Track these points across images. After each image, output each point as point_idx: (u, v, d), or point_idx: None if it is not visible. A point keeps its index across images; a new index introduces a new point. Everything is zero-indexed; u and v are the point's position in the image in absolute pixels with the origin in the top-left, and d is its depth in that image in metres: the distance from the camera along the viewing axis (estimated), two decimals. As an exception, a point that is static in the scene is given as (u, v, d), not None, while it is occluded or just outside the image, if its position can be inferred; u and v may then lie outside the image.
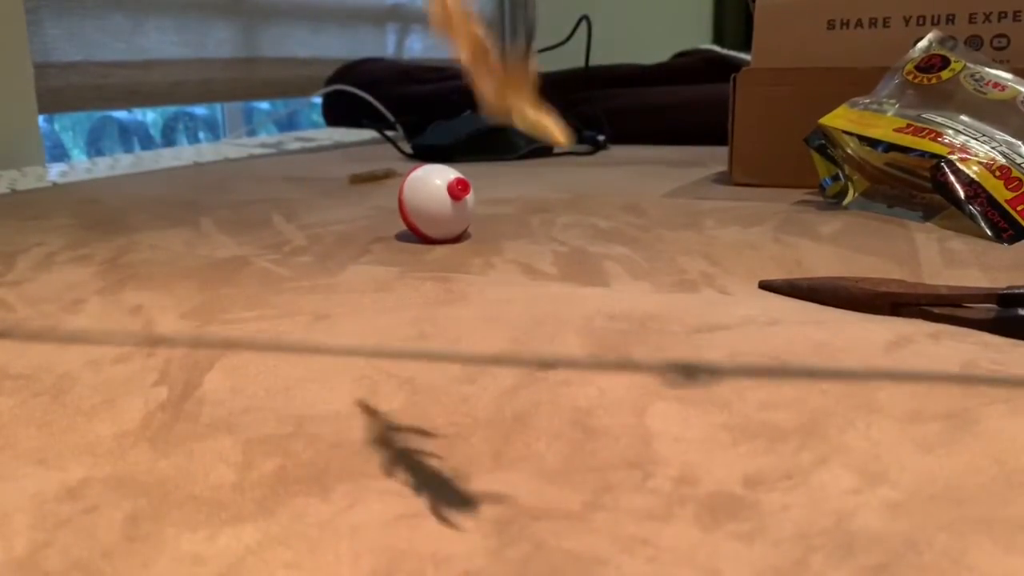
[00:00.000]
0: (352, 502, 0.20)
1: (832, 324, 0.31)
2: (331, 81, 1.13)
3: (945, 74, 0.51)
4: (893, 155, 0.49)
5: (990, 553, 0.17)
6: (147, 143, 1.23)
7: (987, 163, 0.46)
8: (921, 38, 0.55)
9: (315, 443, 0.23)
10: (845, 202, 0.53)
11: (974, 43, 0.57)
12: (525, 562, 0.17)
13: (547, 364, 0.28)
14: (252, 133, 1.23)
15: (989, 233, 0.44)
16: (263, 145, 1.03)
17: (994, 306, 0.31)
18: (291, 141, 1.06)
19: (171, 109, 1.22)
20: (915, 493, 0.20)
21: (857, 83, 0.55)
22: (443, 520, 0.19)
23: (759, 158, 0.62)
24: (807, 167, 0.55)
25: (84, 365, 0.29)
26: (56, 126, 1.12)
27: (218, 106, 1.27)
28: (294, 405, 0.25)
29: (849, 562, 0.17)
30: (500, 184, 0.67)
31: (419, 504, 0.20)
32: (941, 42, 0.54)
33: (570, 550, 0.18)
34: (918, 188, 0.49)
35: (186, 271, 0.42)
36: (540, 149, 0.86)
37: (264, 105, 1.35)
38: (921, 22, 0.59)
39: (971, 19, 0.58)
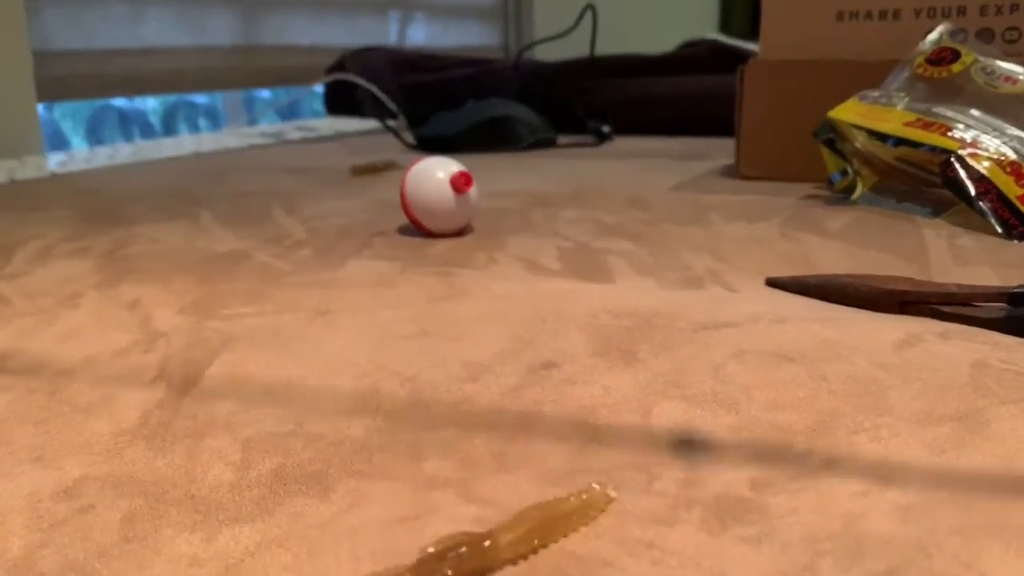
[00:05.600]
0: (352, 503, 0.20)
1: (840, 322, 0.31)
2: (333, 70, 1.12)
3: (956, 67, 0.51)
4: (902, 150, 0.49)
5: (1001, 558, 0.17)
6: (147, 131, 1.22)
7: (998, 159, 0.45)
8: (931, 30, 0.54)
9: (315, 442, 0.23)
10: (853, 197, 0.52)
11: (985, 36, 0.57)
12: (529, 565, 0.17)
13: (551, 362, 0.28)
14: (253, 122, 1.22)
15: (999, 230, 0.44)
16: (264, 134, 1.03)
17: (1004, 305, 0.30)
18: (292, 130, 1.06)
19: (171, 97, 1.22)
20: (925, 496, 0.19)
21: (866, 76, 0.54)
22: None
23: (766, 151, 0.62)
24: (815, 161, 0.54)
25: (81, 361, 0.29)
26: (55, 114, 1.11)
27: (219, 94, 1.27)
28: (294, 403, 0.25)
29: (858, 566, 0.17)
30: (503, 176, 0.66)
31: (421, 505, 0.19)
32: (952, 35, 0.53)
33: (573, 552, 0.18)
34: (927, 183, 0.49)
35: (185, 265, 0.41)
36: (544, 140, 0.85)
37: (265, 94, 1.34)
38: (932, 14, 0.58)
39: (982, 11, 0.57)
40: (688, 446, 0.22)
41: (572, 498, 0.19)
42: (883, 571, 0.17)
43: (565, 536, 0.18)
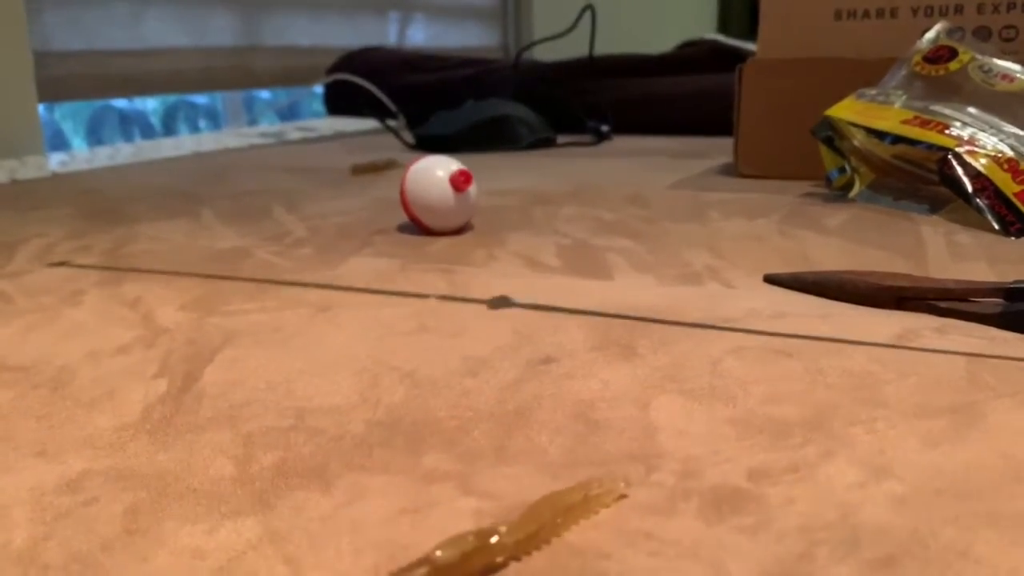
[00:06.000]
0: (353, 496, 0.20)
1: (838, 318, 0.31)
2: (333, 70, 1.13)
3: (953, 65, 0.51)
4: (900, 147, 0.49)
5: (996, 546, 0.17)
6: (147, 132, 1.22)
7: (995, 156, 0.46)
8: (929, 29, 0.54)
9: (316, 436, 0.23)
10: (851, 194, 0.52)
11: (982, 34, 0.57)
12: (528, 557, 0.17)
13: (550, 357, 0.28)
14: (253, 123, 1.22)
15: (996, 227, 0.44)
16: (264, 135, 1.03)
17: (1001, 300, 0.30)
18: (292, 131, 1.06)
19: (172, 98, 1.22)
20: (921, 487, 0.19)
21: (864, 74, 0.55)
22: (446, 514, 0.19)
23: (765, 149, 0.62)
24: (813, 159, 0.55)
25: (83, 357, 0.29)
26: (56, 115, 1.11)
27: (218, 95, 1.27)
28: (295, 398, 0.25)
29: (854, 556, 0.17)
30: (503, 175, 0.67)
31: (421, 498, 0.20)
32: (949, 33, 0.54)
33: (572, 543, 0.18)
34: (925, 181, 0.49)
35: (186, 262, 0.42)
36: (543, 140, 0.86)
37: (265, 94, 1.34)
38: (929, 12, 0.58)
39: (979, 10, 0.57)
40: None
41: (576, 492, 0.19)
42: (879, 560, 0.17)
43: (568, 529, 0.18)
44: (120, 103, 1.17)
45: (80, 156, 0.86)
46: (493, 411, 0.24)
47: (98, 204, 0.58)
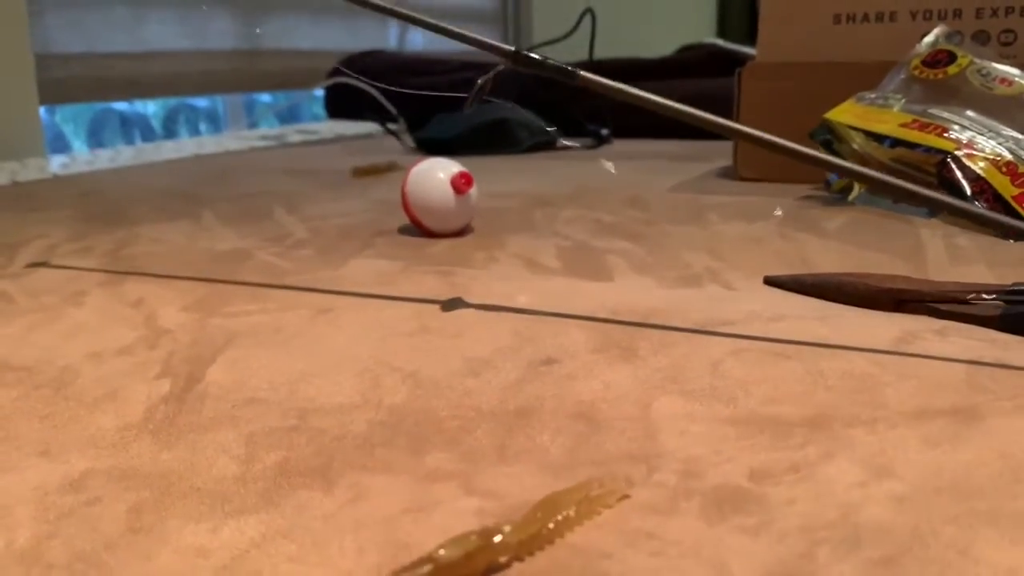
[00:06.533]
0: (355, 495, 0.20)
1: (837, 320, 0.31)
2: (333, 73, 1.13)
3: (952, 69, 0.51)
4: (899, 151, 0.49)
5: (996, 545, 0.17)
6: (148, 135, 1.23)
7: (993, 159, 0.46)
8: (928, 33, 0.54)
9: (318, 436, 0.23)
10: (850, 197, 0.52)
11: (981, 38, 0.57)
12: (530, 557, 0.17)
13: (551, 358, 0.28)
14: (254, 125, 1.23)
15: (995, 229, 0.44)
16: (264, 137, 1.03)
17: (1000, 303, 0.31)
18: (292, 133, 1.06)
19: (172, 101, 1.22)
20: (921, 487, 0.20)
21: (863, 78, 0.55)
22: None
23: (764, 153, 0.62)
24: (812, 162, 0.55)
25: (86, 358, 0.29)
26: (57, 118, 1.11)
27: (219, 98, 1.27)
28: (297, 398, 0.25)
29: (855, 555, 0.17)
30: (503, 177, 0.67)
31: (424, 498, 0.20)
32: (948, 37, 0.54)
33: (575, 543, 0.18)
34: (924, 184, 0.49)
35: (188, 264, 0.42)
36: (544, 143, 0.86)
37: (265, 97, 1.34)
38: (928, 17, 0.58)
39: (978, 14, 0.57)
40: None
41: (578, 492, 0.19)
42: (880, 559, 0.17)
43: (570, 530, 0.18)
44: (121, 106, 1.17)
45: (81, 158, 0.86)
46: (495, 411, 0.24)
47: (99, 206, 0.58)
